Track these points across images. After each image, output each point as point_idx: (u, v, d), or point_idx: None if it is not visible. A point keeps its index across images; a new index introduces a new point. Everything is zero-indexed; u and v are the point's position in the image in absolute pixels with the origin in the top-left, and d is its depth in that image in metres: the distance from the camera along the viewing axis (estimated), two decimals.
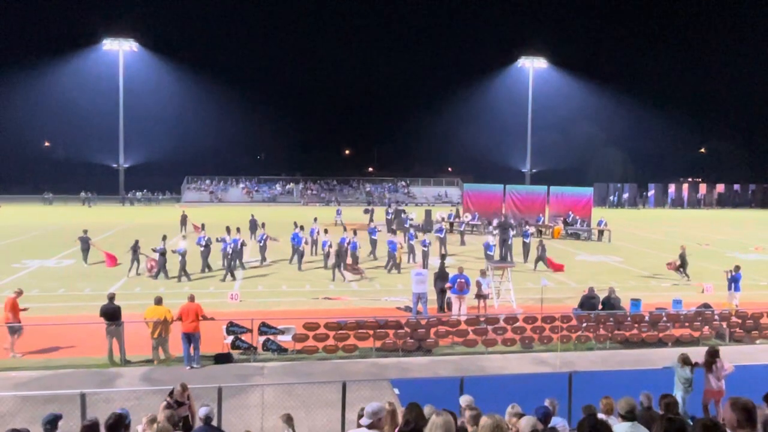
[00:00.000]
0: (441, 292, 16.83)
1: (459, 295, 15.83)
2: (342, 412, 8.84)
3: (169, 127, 73.39)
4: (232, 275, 21.32)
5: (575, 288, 20.12)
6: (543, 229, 35.78)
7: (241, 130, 79.95)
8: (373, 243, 27.06)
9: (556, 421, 7.10)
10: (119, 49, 70.64)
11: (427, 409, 5.76)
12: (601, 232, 34.69)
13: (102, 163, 74.66)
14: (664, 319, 14.81)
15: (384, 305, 17.86)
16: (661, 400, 7.52)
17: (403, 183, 76.07)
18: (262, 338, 13.17)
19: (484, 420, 4.66)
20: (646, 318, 14.81)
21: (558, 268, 23.68)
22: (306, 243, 23.79)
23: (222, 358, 12.84)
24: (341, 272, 21.60)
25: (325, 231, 25.54)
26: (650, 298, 17.73)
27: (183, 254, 20.90)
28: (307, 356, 13.11)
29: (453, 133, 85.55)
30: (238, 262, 22.80)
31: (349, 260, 22.41)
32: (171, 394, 8.38)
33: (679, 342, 14.34)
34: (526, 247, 26.31)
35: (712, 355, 9.96)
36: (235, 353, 13.02)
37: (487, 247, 24.10)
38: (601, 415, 7.03)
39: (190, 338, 12.47)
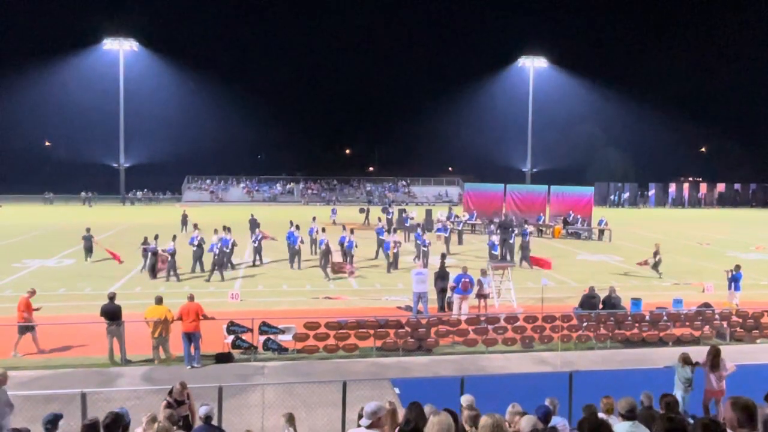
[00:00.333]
0: (441, 292, 16.81)
1: (463, 295, 15.81)
2: (342, 412, 8.84)
3: (169, 127, 73.36)
4: (221, 275, 21.15)
5: (576, 287, 20.11)
6: (543, 229, 35.80)
7: (241, 130, 79.88)
8: (380, 243, 27.07)
9: (557, 421, 7.09)
10: (120, 49, 70.78)
11: (427, 409, 5.75)
12: (601, 232, 34.68)
13: (102, 163, 74.85)
14: (665, 318, 14.81)
15: (384, 305, 17.87)
16: (662, 399, 7.51)
17: (404, 182, 76.05)
18: (263, 338, 13.17)
19: (485, 419, 4.66)
20: (647, 317, 14.81)
21: (543, 263, 20.47)
22: (302, 242, 23.81)
23: (222, 358, 12.85)
24: (324, 270, 21.77)
25: (323, 230, 25.60)
26: (651, 298, 17.71)
27: (172, 254, 20.94)
28: (307, 356, 13.11)
29: (454, 132, 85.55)
30: (227, 261, 22.52)
31: (341, 258, 22.46)
32: (170, 392, 8.40)
33: (679, 341, 14.35)
34: (523, 247, 26.12)
35: (716, 355, 9.96)
36: (236, 353, 13.03)
37: (492, 246, 23.99)
38: (601, 415, 7.03)
39: (191, 338, 12.48)
